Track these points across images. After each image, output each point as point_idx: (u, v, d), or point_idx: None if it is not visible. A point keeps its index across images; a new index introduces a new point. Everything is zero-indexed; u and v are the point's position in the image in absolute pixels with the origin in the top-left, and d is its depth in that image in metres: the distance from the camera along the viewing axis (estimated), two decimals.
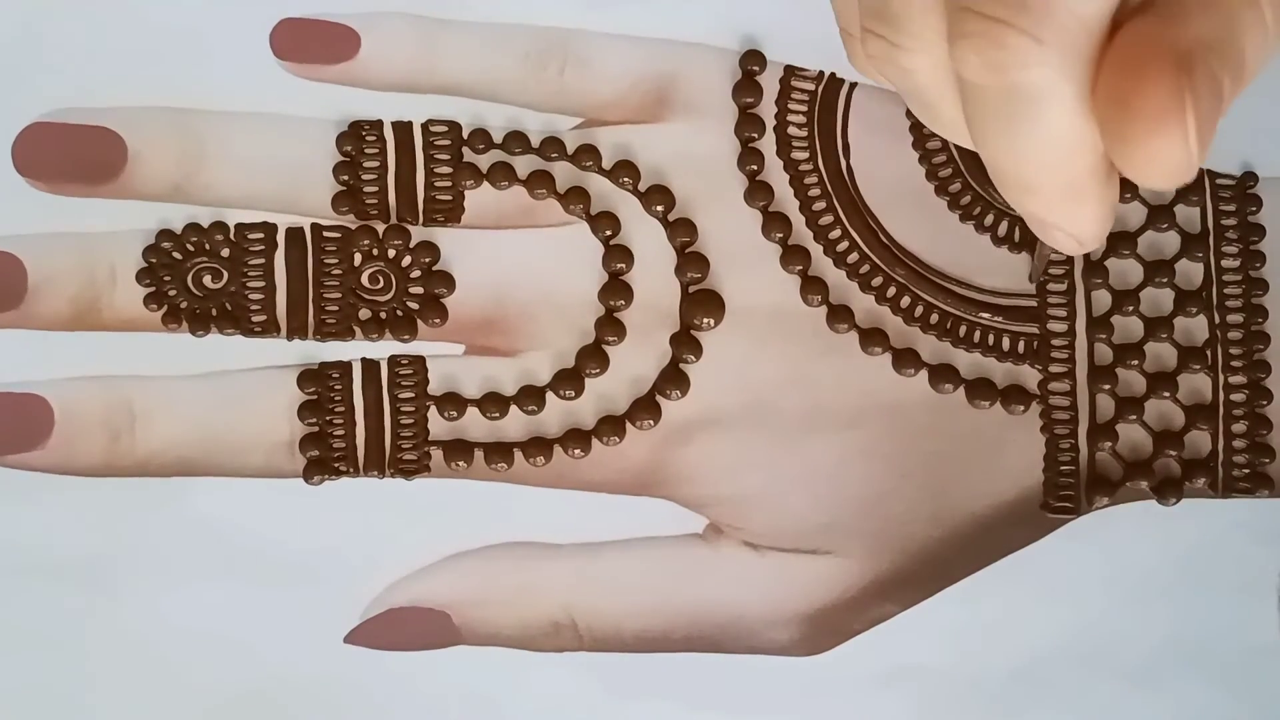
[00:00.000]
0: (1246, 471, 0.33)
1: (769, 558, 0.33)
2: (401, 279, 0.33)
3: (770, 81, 0.34)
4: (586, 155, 0.33)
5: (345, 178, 0.34)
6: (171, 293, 0.33)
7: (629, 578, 0.33)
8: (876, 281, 0.33)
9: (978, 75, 0.21)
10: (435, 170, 0.34)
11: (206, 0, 0.34)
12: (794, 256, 0.33)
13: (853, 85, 0.34)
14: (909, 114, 0.34)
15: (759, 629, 0.33)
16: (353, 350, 0.33)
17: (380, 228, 0.33)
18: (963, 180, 0.34)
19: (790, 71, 0.34)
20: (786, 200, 0.34)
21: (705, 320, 0.33)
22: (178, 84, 0.34)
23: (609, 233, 0.33)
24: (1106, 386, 0.33)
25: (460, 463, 0.33)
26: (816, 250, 0.34)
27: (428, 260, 0.33)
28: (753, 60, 0.34)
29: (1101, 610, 0.33)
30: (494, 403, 0.33)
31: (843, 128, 0.34)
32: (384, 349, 0.33)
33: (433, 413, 0.33)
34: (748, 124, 0.34)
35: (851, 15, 0.25)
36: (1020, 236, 0.33)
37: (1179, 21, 0.21)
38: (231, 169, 0.34)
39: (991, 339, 0.33)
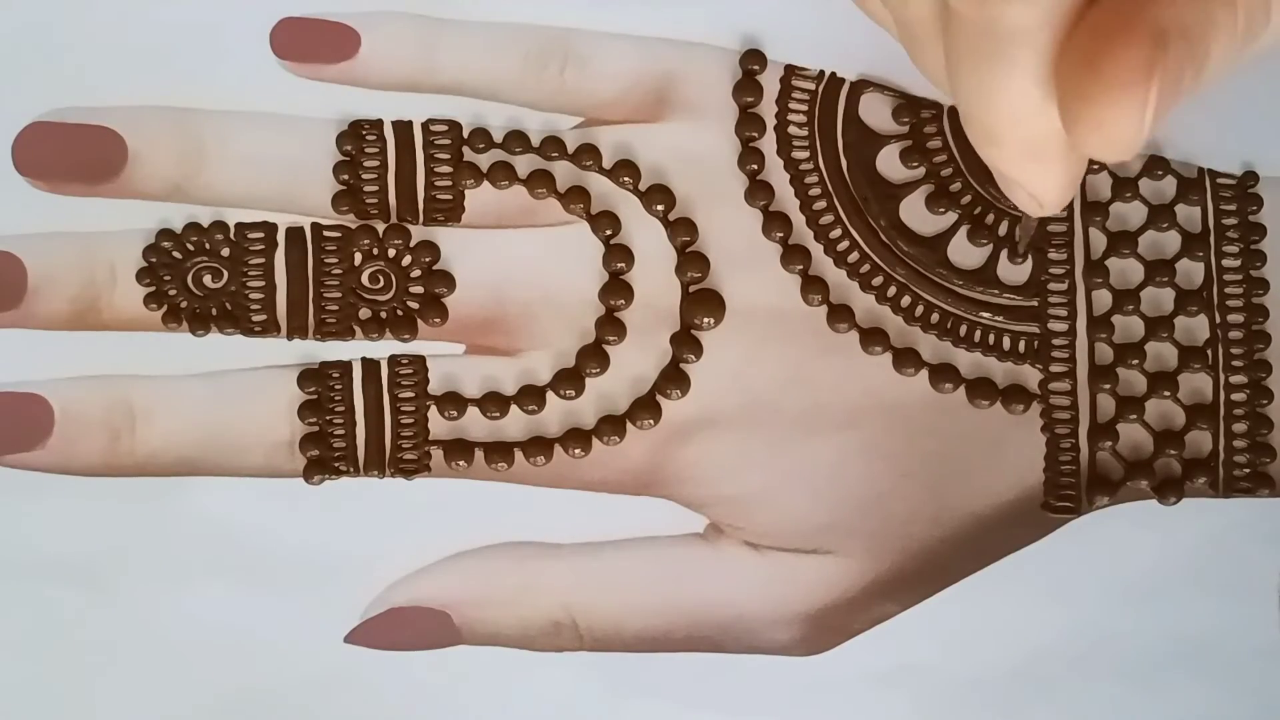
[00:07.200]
0: (1247, 471, 0.33)
1: (769, 557, 0.33)
2: (402, 278, 0.33)
3: (770, 81, 0.34)
4: (587, 155, 0.33)
5: (345, 177, 0.34)
6: (171, 292, 0.33)
7: (629, 578, 0.33)
8: (877, 281, 0.33)
9: (962, 4, 0.21)
10: (435, 170, 0.34)
11: (206, 0, 0.34)
12: (794, 256, 0.33)
13: (853, 85, 0.34)
14: (903, 113, 0.34)
15: (759, 629, 0.33)
16: (353, 350, 0.33)
17: (380, 227, 0.33)
18: (963, 180, 0.34)
19: (791, 71, 0.34)
20: (787, 200, 0.34)
21: (705, 320, 0.33)
22: (178, 83, 0.34)
23: (609, 232, 0.33)
24: (1107, 386, 0.33)
25: (460, 462, 0.33)
26: (817, 250, 0.33)
27: (428, 260, 0.33)
28: (753, 60, 0.34)
29: (1102, 610, 0.33)
30: (494, 402, 0.33)
31: (843, 127, 0.34)
32: (384, 348, 0.33)
33: (433, 412, 0.33)
34: (748, 123, 0.34)
35: None
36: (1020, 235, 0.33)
37: (1162, 2, 0.21)
38: (232, 168, 0.34)
39: (992, 338, 0.33)
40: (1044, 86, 0.22)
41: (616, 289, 0.33)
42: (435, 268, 0.33)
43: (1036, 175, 0.24)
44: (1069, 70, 0.21)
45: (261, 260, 0.33)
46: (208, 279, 0.33)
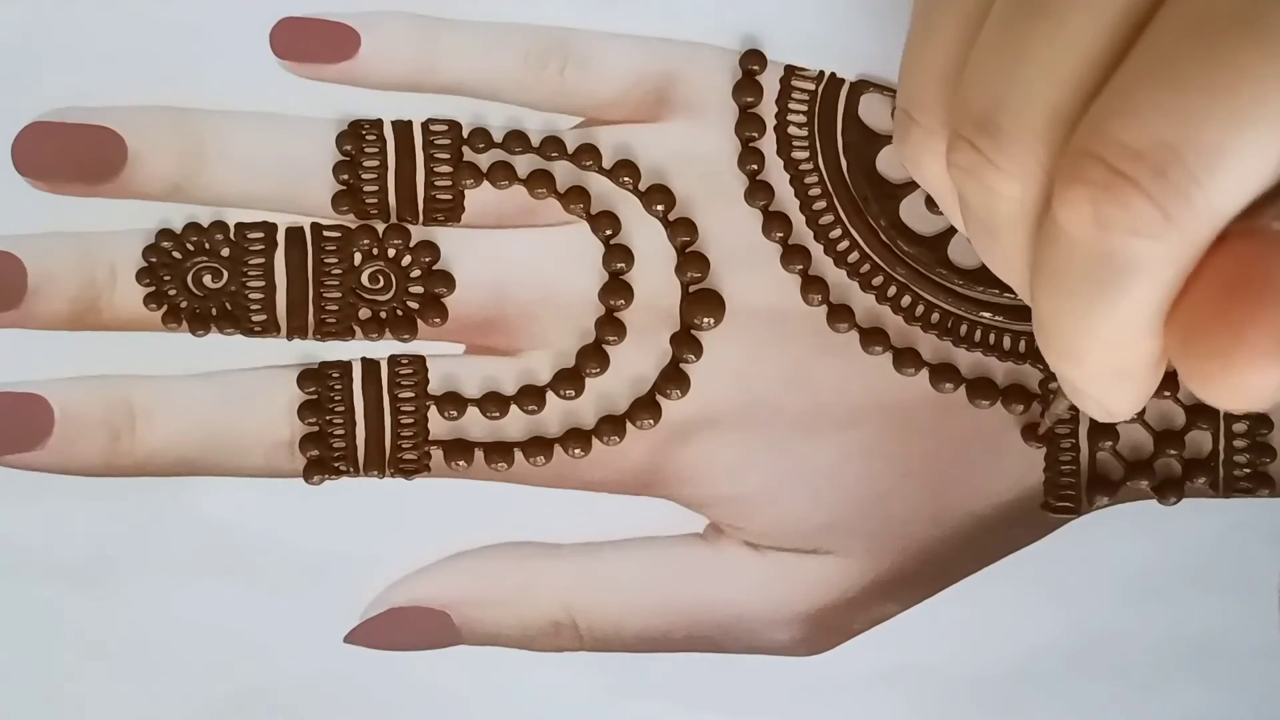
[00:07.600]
0: (1247, 471, 0.33)
1: (769, 557, 0.33)
2: (401, 278, 0.33)
3: (770, 81, 0.34)
4: (587, 155, 0.33)
5: (345, 177, 0.34)
6: (171, 292, 0.33)
7: (629, 578, 0.33)
8: (877, 281, 0.33)
9: (1079, 227, 0.20)
10: (435, 169, 0.34)
11: (207, 0, 0.34)
12: (794, 256, 0.33)
13: (853, 85, 0.34)
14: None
15: (759, 629, 0.33)
16: (353, 350, 0.33)
17: (380, 227, 0.33)
18: None
19: (791, 71, 0.34)
20: (787, 200, 0.34)
21: (705, 320, 0.33)
22: (178, 84, 0.34)
23: (609, 232, 0.33)
24: None
25: (460, 462, 0.33)
26: (817, 250, 0.33)
27: (428, 260, 0.33)
28: (753, 60, 0.34)
29: (1101, 610, 0.33)
30: (494, 402, 0.33)
31: (843, 127, 0.34)
32: (384, 349, 0.33)
33: (433, 412, 0.33)
34: (748, 123, 0.34)
35: (924, 101, 0.24)
36: None
37: None
38: (231, 168, 0.34)
39: (992, 338, 0.33)
40: (1154, 322, 0.20)
41: (616, 289, 0.33)
42: (435, 268, 0.33)
43: (1115, 393, 0.22)
44: (1200, 324, 0.19)
45: (261, 260, 0.33)
46: (208, 279, 0.33)
